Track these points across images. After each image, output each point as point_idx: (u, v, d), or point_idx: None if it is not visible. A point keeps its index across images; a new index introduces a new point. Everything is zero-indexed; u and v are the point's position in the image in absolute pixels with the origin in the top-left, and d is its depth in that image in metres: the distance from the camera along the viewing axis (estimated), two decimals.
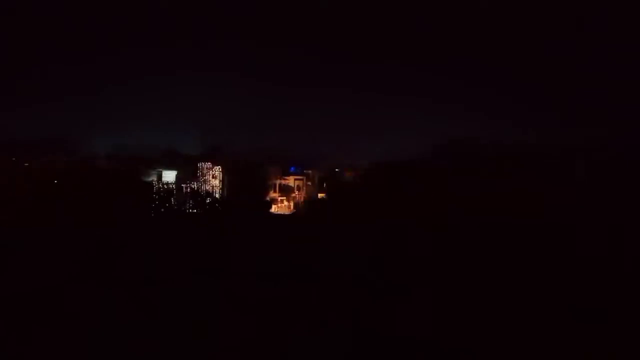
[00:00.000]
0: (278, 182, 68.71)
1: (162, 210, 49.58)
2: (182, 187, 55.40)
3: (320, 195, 65.36)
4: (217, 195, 57.91)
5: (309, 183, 72.09)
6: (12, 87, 77.10)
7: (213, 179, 58.37)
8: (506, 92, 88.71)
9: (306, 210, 60.35)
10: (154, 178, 57.28)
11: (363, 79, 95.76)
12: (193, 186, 56.03)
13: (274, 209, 64.39)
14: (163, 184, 54.52)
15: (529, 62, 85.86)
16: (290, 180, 70.85)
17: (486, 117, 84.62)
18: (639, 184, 55.49)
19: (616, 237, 37.17)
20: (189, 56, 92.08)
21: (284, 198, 68.44)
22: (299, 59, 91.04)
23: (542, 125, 77.20)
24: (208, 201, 52.61)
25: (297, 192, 68.94)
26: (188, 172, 57.91)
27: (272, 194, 68.09)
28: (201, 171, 57.74)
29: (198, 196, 52.90)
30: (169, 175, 58.45)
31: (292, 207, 65.74)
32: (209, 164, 58.08)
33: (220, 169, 58.83)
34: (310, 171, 73.42)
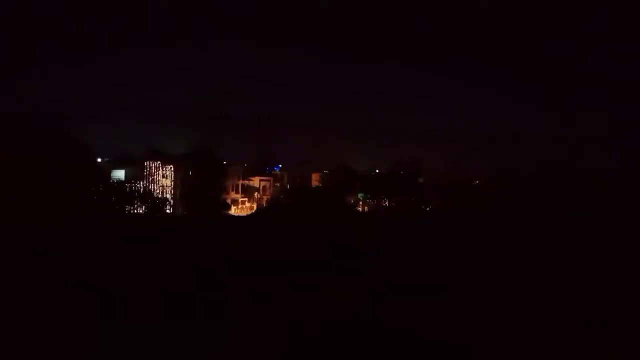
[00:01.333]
0: (240, 182, 66.15)
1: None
2: (126, 186, 52.83)
3: None
4: (167, 196, 55.39)
5: (277, 184, 69.16)
6: (12, 87, 76.81)
7: (163, 179, 55.82)
8: (506, 92, 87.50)
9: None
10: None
11: (363, 79, 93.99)
12: (138, 186, 53.45)
13: (233, 210, 61.49)
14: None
15: (529, 62, 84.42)
16: (255, 181, 68.10)
17: (486, 117, 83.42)
18: (638, 183, 54.43)
19: (616, 237, 34.76)
20: (189, 56, 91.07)
21: (246, 199, 65.70)
22: (299, 59, 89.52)
23: (541, 125, 75.51)
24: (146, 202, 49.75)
25: (261, 193, 66.09)
26: (140, 171, 55.58)
27: (234, 195, 65.59)
28: (148, 170, 55.18)
29: (135, 197, 50.17)
30: (119, 174, 56.21)
31: (254, 208, 62.74)
32: (157, 163, 55.52)
33: (172, 168, 56.31)
34: (278, 172, 70.90)
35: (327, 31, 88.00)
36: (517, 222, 44.01)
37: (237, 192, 64.72)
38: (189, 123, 77.16)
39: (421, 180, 58.94)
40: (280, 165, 73.04)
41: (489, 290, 20.93)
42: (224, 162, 62.66)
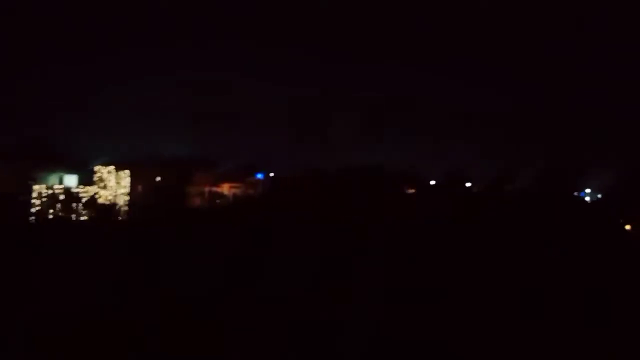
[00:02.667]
0: (207, 189, 63.51)
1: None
2: (74, 193, 50.71)
3: None
4: (121, 202, 52.97)
5: (251, 191, 66.12)
6: (12, 87, 77.37)
7: (117, 185, 53.40)
8: (506, 92, 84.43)
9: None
10: (53, 182, 53.23)
11: (363, 79, 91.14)
12: (85, 192, 51.25)
13: None
14: (50, 189, 50.01)
15: (529, 62, 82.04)
16: (225, 188, 65.32)
17: (486, 117, 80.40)
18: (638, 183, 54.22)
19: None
20: (189, 56, 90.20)
21: None
22: (299, 59, 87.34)
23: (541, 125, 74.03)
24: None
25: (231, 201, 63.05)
26: (90, 176, 53.43)
27: (200, 202, 62.72)
28: (99, 176, 52.88)
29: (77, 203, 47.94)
30: (71, 180, 54.24)
31: None
32: (110, 167, 53.18)
33: (128, 174, 53.92)
34: (253, 179, 67.96)
35: (327, 31, 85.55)
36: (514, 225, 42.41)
37: (203, 199, 62.01)
38: (188, 123, 75.66)
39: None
40: (260, 174, 70.43)
41: (487, 293, 20.76)
42: (192, 168, 60.31)
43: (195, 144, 71.93)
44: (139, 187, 54.06)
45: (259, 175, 74.78)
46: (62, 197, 49.16)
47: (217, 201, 61.48)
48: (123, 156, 57.07)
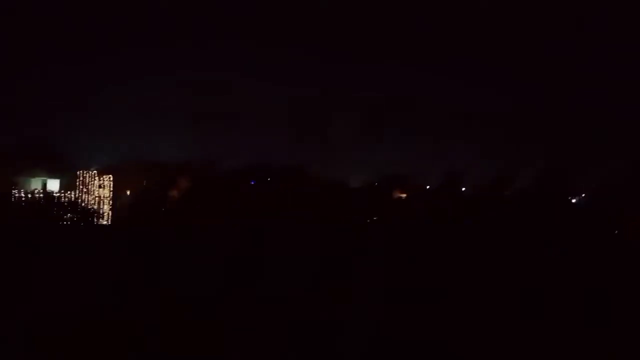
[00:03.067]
0: None
1: None
2: (56, 197, 49.34)
3: None
4: (105, 207, 51.58)
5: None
6: (12, 87, 76.25)
7: (100, 189, 51.99)
8: (506, 92, 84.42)
9: None
10: (36, 187, 51.81)
11: (363, 79, 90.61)
12: (69, 197, 49.86)
13: None
14: (31, 193, 48.61)
15: (529, 62, 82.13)
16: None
17: (486, 117, 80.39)
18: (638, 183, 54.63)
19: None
20: (189, 56, 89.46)
21: None
22: (299, 59, 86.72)
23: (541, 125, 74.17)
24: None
25: None
26: (73, 181, 52.02)
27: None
28: (82, 180, 51.55)
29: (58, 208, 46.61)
30: (54, 184, 52.76)
31: None
32: (93, 172, 51.86)
33: (111, 178, 52.58)
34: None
35: (327, 31, 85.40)
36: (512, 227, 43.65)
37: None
38: (188, 123, 74.41)
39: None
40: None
41: (487, 294, 21.12)
42: (181, 172, 58.93)
43: (194, 145, 71.16)
44: (124, 192, 52.81)
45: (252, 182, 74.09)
46: (43, 201, 47.80)
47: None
48: (108, 160, 56.00)
